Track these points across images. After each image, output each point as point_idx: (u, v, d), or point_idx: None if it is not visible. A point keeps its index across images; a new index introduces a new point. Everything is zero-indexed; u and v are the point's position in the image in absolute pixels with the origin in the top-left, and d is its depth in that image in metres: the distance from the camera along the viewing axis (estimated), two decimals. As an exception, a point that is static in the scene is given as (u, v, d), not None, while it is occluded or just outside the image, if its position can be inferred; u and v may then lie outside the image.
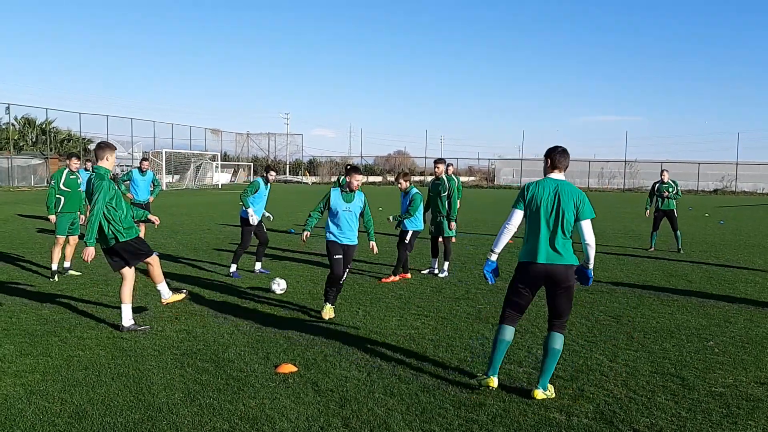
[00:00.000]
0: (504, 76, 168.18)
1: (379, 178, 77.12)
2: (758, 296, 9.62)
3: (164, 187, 48.45)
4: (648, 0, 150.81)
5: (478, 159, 74.20)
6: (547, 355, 5.21)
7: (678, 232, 15.24)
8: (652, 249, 15.27)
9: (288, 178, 76.13)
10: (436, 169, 11.15)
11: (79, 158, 10.95)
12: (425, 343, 6.72)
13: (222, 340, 6.67)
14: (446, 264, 11.09)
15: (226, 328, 7.15)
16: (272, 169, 11.28)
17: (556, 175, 5.35)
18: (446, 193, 10.95)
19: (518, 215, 5.33)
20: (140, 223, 11.97)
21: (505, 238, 5.42)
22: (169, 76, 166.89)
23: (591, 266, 5.27)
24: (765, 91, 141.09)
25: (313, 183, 70.71)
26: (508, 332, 5.32)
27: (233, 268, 10.65)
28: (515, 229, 5.36)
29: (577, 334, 7.18)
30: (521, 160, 73.14)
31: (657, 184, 15.70)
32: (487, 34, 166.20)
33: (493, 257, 5.52)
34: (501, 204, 32.46)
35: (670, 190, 15.34)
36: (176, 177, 55.67)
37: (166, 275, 9.25)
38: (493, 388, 5.29)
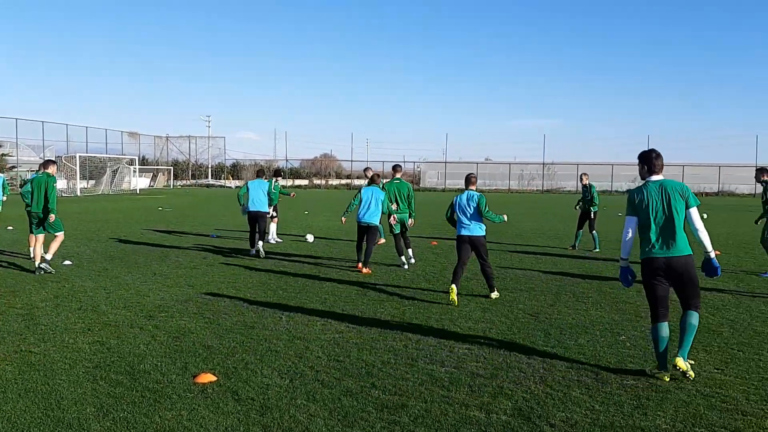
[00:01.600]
0: (427, 80, 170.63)
1: (305, 182, 76.64)
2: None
3: (79, 193, 46.56)
4: (564, 5, 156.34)
5: (404, 162, 74.77)
6: (684, 330, 5.74)
7: (594, 232, 15.78)
8: (574, 248, 15.72)
9: (210, 182, 74.58)
10: (396, 173, 12.99)
11: None
12: (349, 346, 6.70)
13: (137, 351, 6.44)
14: (410, 251, 12.70)
15: (142, 339, 6.91)
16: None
17: (656, 177, 5.86)
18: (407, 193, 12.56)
19: (632, 222, 5.87)
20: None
21: (629, 246, 5.96)
22: (83, 77, 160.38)
23: (712, 254, 5.82)
24: (673, 93, 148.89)
25: (236, 187, 69.51)
26: (664, 329, 5.78)
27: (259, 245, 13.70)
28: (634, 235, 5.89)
29: (497, 333, 7.32)
30: (445, 162, 74.33)
31: (582, 187, 16.22)
32: (409, 37, 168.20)
33: (624, 263, 6.08)
34: (428, 206, 32.82)
35: (586, 194, 15.86)
36: (91, 182, 53.57)
37: (81, 286, 8.91)
38: (667, 381, 5.66)
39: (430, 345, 6.77)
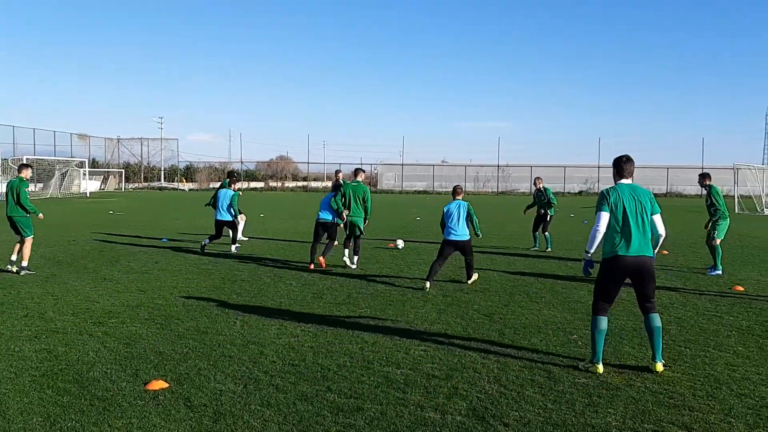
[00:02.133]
0: (385, 82, 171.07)
1: (261, 184, 75.92)
2: (617, 290, 10.31)
3: (25, 197, 45.12)
4: (519, 10, 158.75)
5: (361, 164, 74.75)
6: (652, 333, 6.02)
7: (547, 233, 16.05)
8: (536, 248, 15.99)
9: (163, 185, 73.25)
10: (357, 176, 13.23)
11: None
12: (304, 350, 6.65)
13: (86, 359, 6.27)
14: (356, 258, 12.54)
15: (92, 346, 6.74)
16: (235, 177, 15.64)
17: (626, 181, 6.17)
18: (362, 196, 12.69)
19: (605, 217, 6.03)
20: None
21: (598, 240, 6.10)
22: (31, 77, 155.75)
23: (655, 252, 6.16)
24: (623, 97, 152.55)
25: (190, 190, 68.42)
26: (604, 322, 6.08)
27: (234, 247, 14.89)
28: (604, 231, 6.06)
29: (452, 334, 7.37)
30: (402, 165, 74.60)
31: (534, 191, 16.48)
32: (366, 40, 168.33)
33: (587, 256, 6.27)
34: (386, 209, 32.87)
35: (542, 198, 16.08)
36: (39, 185, 52.02)
37: (28, 293, 8.64)
38: (600, 373, 5.91)
39: (386, 347, 6.78)
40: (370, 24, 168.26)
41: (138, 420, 4.76)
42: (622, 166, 6.20)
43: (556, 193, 17.31)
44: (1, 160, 47.83)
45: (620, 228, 5.95)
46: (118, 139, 77.58)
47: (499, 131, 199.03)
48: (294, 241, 17.62)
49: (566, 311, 8.69)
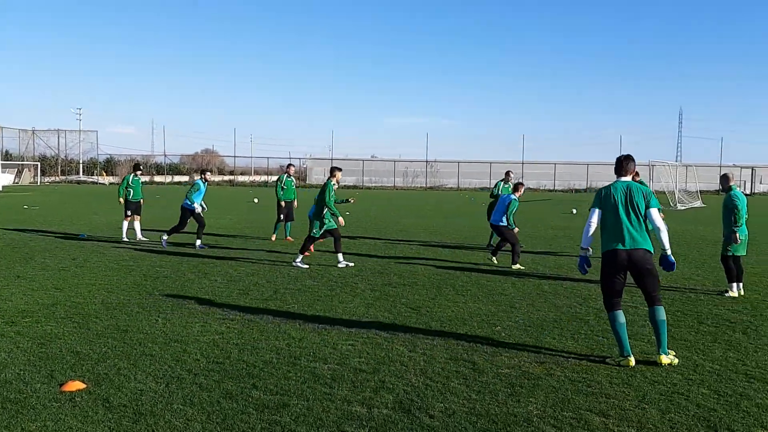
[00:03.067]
0: (313, 76, 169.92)
1: (185, 178, 74.04)
2: (539, 282, 10.63)
3: (-70, 190, 42.46)
4: (447, 7, 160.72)
5: (290, 158, 74.04)
6: (655, 326, 6.20)
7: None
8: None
9: (81, 179, 70.44)
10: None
11: None
12: (230, 347, 6.54)
13: (-4, 361, 5.96)
14: (339, 255, 12.16)
15: (3, 346, 6.40)
16: (208, 171, 15.47)
17: (625, 178, 6.37)
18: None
19: (595, 214, 6.33)
20: None
21: (586, 235, 6.41)
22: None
23: (669, 251, 6.33)
24: (546, 97, 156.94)
25: (110, 183, 66.02)
26: (622, 315, 6.21)
27: (165, 237, 14.70)
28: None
29: (379, 328, 7.41)
30: (331, 159, 74.35)
31: (500, 184, 16.23)
32: (292, 33, 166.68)
33: (581, 252, 6.50)
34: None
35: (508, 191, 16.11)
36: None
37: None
38: (632, 366, 6.05)
39: (313, 343, 6.74)
40: (298, 16, 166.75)
41: (53, 423, 4.56)
42: (621, 164, 6.44)
43: (482, 189, 17.45)
44: None
45: (613, 223, 6.18)
46: (33, 131, 74.06)
47: (428, 127, 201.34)
48: (220, 235, 17.29)
49: (491, 303, 8.88)
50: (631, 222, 6.16)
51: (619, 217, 6.17)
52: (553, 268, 12.39)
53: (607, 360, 6.24)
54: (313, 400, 5.11)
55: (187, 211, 14.81)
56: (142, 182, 16.70)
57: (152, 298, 8.94)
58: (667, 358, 6.17)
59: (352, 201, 14.02)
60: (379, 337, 7.03)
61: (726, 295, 9.67)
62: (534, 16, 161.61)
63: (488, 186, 65.64)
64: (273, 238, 16.26)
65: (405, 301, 8.93)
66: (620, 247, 6.13)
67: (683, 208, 37.40)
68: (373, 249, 14.80)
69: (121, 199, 16.09)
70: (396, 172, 71.26)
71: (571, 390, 5.43)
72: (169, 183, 68.91)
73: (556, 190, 67.01)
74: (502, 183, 16.14)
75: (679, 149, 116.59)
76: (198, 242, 14.64)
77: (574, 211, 31.11)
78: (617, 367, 6.05)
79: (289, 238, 16.35)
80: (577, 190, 66.45)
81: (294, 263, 11.96)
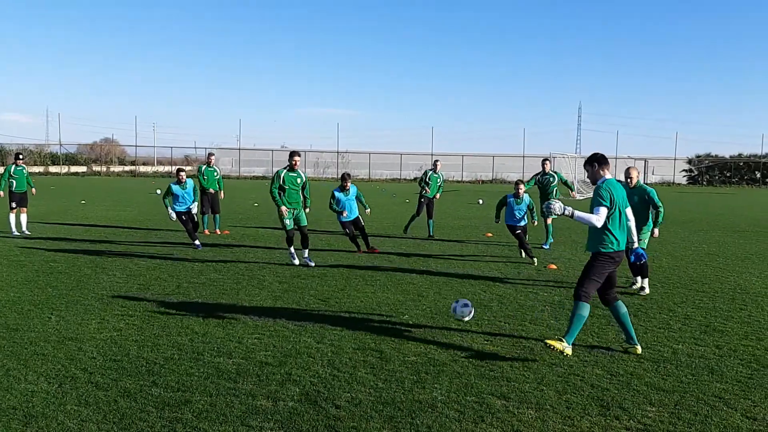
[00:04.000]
0: (219, 63, 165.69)
1: (83, 168, 70.55)
2: (446, 270, 10.84)
3: None
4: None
5: (195, 148, 72.03)
6: (624, 318, 6.24)
7: (431, 220, 16.01)
8: (432, 236, 15.81)
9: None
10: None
11: None
12: (128, 344, 6.28)
13: None
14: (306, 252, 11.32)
15: None
16: (182, 170, 13.63)
17: (609, 175, 6.23)
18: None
19: (606, 212, 6.02)
20: None
21: (588, 221, 6.01)
22: None
23: (637, 244, 6.66)
24: (454, 88, 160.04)
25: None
26: (588, 309, 6.04)
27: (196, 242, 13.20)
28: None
29: (287, 320, 7.32)
30: (239, 149, 72.87)
31: (429, 173, 16.24)
32: (200, 19, 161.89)
33: (569, 211, 6.11)
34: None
35: (437, 180, 16.13)
36: None
37: None
38: (638, 353, 6.23)
39: (217, 338, 6.58)
40: (200, 2, 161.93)
41: (-72, 432, 4.24)
42: (606, 161, 6.30)
43: (393, 180, 17.41)
44: None
45: (619, 223, 6.08)
46: None
47: (339, 118, 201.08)
48: (120, 227, 16.58)
49: (399, 293, 8.96)
50: (625, 222, 6.23)
51: (621, 217, 6.14)
52: (459, 257, 12.65)
53: (623, 346, 6.40)
54: (217, 395, 4.99)
55: (182, 214, 13.25)
56: (28, 173, 15.70)
57: (45, 294, 8.46)
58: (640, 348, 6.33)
59: (394, 195, 13.67)
60: (287, 329, 6.95)
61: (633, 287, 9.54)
62: (441, 9, 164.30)
63: (398, 177, 66.39)
64: (206, 232, 15.64)
65: (314, 293, 8.88)
66: (621, 248, 6.13)
67: (581, 198, 39.12)
68: (281, 241, 14.62)
69: (1, 192, 15.03)
70: (307, 162, 70.62)
71: (475, 375, 5.57)
72: (65, 174, 65.45)
73: (463, 181, 68.53)
74: (431, 172, 16.31)
75: (578, 141, 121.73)
76: (196, 242, 13.20)
77: (481, 201, 31.89)
78: (518, 352, 6.25)
79: (217, 231, 15.81)
80: (483, 181, 68.18)
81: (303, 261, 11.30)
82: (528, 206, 11.98)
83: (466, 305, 6.78)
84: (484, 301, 8.47)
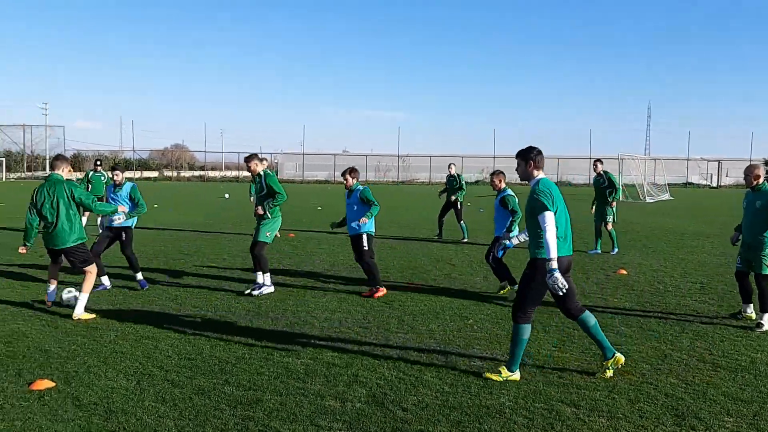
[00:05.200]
0: (283, 71, 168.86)
1: (155, 173, 73.12)
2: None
3: None
4: (421, 2, 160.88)
5: (261, 153, 73.49)
6: (592, 331, 5.65)
7: (462, 222, 15.89)
8: (440, 237, 15.91)
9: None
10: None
11: None
12: (201, 343, 6.49)
13: (-39, 360, 5.84)
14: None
15: (-33, 346, 6.27)
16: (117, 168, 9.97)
17: (543, 174, 5.61)
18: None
19: (553, 217, 5.31)
20: None
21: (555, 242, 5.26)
22: None
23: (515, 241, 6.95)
24: (518, 90, 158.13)
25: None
26: (528, 331, 5.56)
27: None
28: None
29: (353, 322, 7.41)
30: (303, 154, 74.04)
31: (447, 176, 16.31)
32: (262, 25, 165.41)
33: (555, 264, 5.19)
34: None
35: (454, 183, 16.05)
36: None
37: None
38: (517, 381, 5.48)
39: (286, 338, 6.72)
40: (266, 11, 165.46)
41: (22, 422, 4.49)
42: (539, 159, 5.60)
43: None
44: None
45: (562, 226, 5.42)
46: (-2, 126, 72.39)
47: (399, 121, 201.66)
48: (191, 230, 17.11)
49: (462, 296, 8.93)
50: (569, 224, 5.58)
51: (565, 220, 5.52)
52: (524, 261, 12.47)
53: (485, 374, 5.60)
54: (287, 394, 5.10)
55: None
56: (107, 179, 16.34)
57: (122, 295, 8.82)
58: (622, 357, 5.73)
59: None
60: (352, 331, 7.03)
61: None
62: (505, 9, 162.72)
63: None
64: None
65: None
66: (568, 252, 5.49)
67: (652, 201, 37.99)
68: (346, 244, 14.78)
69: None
70: (368, 166, 71.13)
71: (543, 381, 5.49)
72: (138, 179, 67.95)
73: (527, 184, 67.64)
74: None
75: (647, 142, 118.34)
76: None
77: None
78: (588, 359, 6.13)
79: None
80: (547, 184, 67.13)
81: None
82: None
83: None
84: (551, 308, 8.33)
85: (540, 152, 5.64)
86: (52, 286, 7.98)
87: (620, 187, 13.49)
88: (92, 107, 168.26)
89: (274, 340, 6.63)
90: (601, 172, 13.86)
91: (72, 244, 7.66)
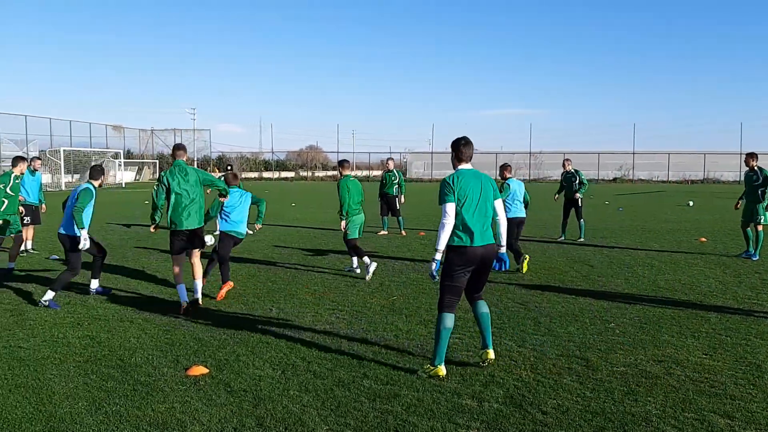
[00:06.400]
0: (412, 70, 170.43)
1: (291, 174, 76.41)
2: (655, 278, 10.18)
3: (63, 187, 46.10)
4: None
5: (390, 152, 74.74)
6: (483, 319, 5.78)
7: (582, 221, 15.34)
8: (562, 238, 15.34)
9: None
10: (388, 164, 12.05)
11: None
12: (340, 337, 6.70)
13: (128, 345, 6.41)
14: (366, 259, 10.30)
15: (133, 332, 6.88)
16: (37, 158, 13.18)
17: (466, 166, 5.63)
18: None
19: (452, 208, 5.40)
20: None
21: (447, 235, 5.42)
22: (67, 70, 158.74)
23: (504, 249, 5.77)
24: (658, 84, 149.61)
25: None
26: (451, 320, 5.54)
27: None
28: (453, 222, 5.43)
29: (487, 322, 7.34)
30: (431, 153, 74.36)
31: (563, 174, 15.71)
32: (391, 27, 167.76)
33: (438, 256, 5.46)
34: (415, 197, 32.86)
35: (573, 180, 15.38)
36: (76, 176, 53.04)
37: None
38: (442, 376, 5.43)
39: (420, 335, 6.79)
40: (396, 12, 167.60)
41: (180, 404, 4.86)
42: (461, 149, 5.63)
43: (589, 180, 16.41)
44: (39, 151, 48.88)
45: (471, 217, 5.42)
46: (152, 131, 78.64)
47: (530, 118, 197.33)
48: (326, 229, 17.70)
49: (602, 299, 8.59)
50: (486, 215, 5.51)
51: (477, 211, 5.43)
52: (669, 263, 11.82)
53: (419, 372, 5.54)
54: (423, 391, 5.15)
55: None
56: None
57: (266, 288, 9.29)
58: (492, 352, 5.78)
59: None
60: (487, 330, 6.97)
61: None
62: (639, 3, 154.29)
63: (595, 177, 63.49)
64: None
65: (511, 296, 8.80)
66: (477, 243, 5.42)
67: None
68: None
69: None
70: (498, 164, 70.31)
71: (693, 390, 5.17)
72: (276, 179, 71.40)
73: (670, 181, 63.83)
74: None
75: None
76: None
77: (691, 203, 29.49)
78: (743, 368, 5.70)
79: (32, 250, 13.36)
80: (693, 181, 62.98)
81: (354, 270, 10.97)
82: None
83: None
84: (699, 313, 7.83)
85: (458, 143, 5.67)
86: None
87: None
88: (233, 111, 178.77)
89: (408, 337, 6.72)
90: (756, 168, 12.37)
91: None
